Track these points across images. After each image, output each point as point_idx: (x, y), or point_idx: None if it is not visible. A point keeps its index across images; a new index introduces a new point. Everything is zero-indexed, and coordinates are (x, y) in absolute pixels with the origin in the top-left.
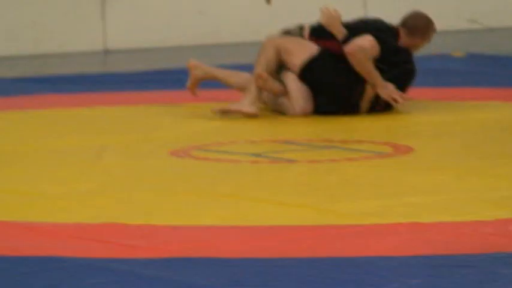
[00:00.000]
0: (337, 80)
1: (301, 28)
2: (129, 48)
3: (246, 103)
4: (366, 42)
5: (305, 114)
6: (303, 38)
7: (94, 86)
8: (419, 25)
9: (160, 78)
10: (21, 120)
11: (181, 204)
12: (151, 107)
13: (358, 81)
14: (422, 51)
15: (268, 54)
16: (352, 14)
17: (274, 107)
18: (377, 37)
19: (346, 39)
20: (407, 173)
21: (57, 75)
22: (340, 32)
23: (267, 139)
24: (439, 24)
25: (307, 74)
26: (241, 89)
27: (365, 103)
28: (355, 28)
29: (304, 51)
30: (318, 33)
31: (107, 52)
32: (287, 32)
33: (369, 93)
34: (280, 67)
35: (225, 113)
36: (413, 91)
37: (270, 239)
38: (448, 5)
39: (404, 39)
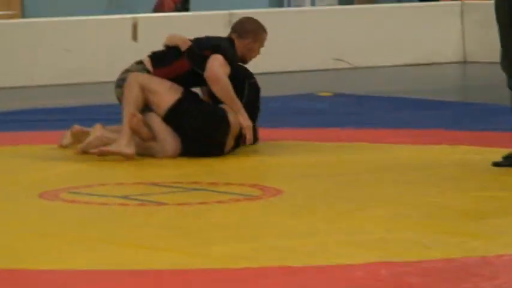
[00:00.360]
0: (202, 122)
1: (139, 63)
2: None
3: (123, 143)
4: (220, 69)
5: (175, 156)
6: (147, 71)
7: None
8: (248, 26)
9: (27, 118)
10: None
11: (48, 247)
12: (18, 148)
13: (222, 120)
14: (289, 91)
15: (135, 93)
16: None
17: (141, 150)
18: (224, 54)
19: (191, 51)
20: (277, 215)
21: None
22: (184, 42)
23: (135, 181)
24: (307, 64)
25: (172, 117)
26: None
27: (230, 141)
28: (198, 40)
29: (169, 93)
30: (161, 61)
31: None
32: (127, 71)
33: (233, 131)
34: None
35: (103, 155)
36: (280, 132)
37: (138, 283)
38: (315, 45)
39: (238, 46)
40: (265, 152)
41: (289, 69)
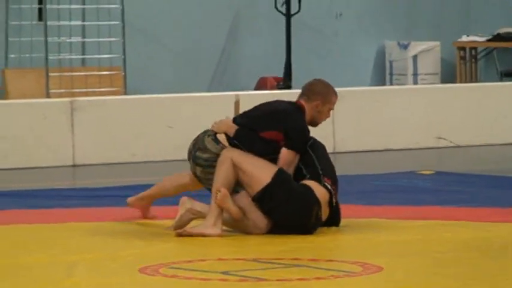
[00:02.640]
0: (294, 209)
1: (216, 141)
2: (98, 163)
3: (209, 224)
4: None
5: (267, 230)
6: (221, 144)
7: (62, 201)
8: (316, 89)
9: (128, 193)
10: None
11: None
12: (120, 224)
13: (312, 201)
14: (391, 169)
15: (226, 170)
16: None
17: (233, 227)
18: (296, 146)
19: (238, 136)
20: None
21: (25, 190)
22: (229, 127)
23: (235, 257)
24: (408, 142)
25: (263, 202)
26: None
27: (325, 210)
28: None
29: (261, 175)
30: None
31: (75, 166)
32: (206, 149)
33: (323, 203)
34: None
35: (188, 236)
36: (381, 209)
37: None
38: (417, 123)
39: (307, 109)
40: (366, 229)
41: (391, 147)
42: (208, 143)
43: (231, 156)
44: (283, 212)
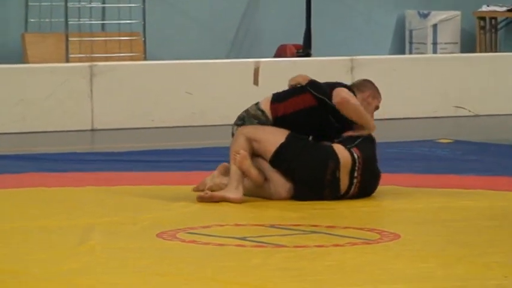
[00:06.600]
0: (309, 161)
1: (256, 104)
2: (116, 128)
3: (231, 188)
4: (349, 94)
5: (288, 197)
6: (261, 111)
7: (81, 165)
8: (367, 84)
9: (146, 159)
10: (6, 198)
11: (164, 286)
12: (139, 188)
13: (329, 155)
14: (410, 137)
15: (240, 142)
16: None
17: (255, 193)
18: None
19: (314, 83)
20: (394, 259)
21: (43, 153)
22: (304, 78)
23: (253, 223)
24: (427, 111)
25: (279, 162)
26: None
27: (344, 177)
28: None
29: (273, 138)
30: (280, 97)
31: (93, 131)
32: (247, 110)
33: (344, 166)
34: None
35: (210, 201)
36: (399, 177)
37: None
38: (436, 92)
39: (358, 99)
40: (384, 196)
41: (410, 115)
42: (251, 107)
43: (243, 132)
44: (299, 165)
